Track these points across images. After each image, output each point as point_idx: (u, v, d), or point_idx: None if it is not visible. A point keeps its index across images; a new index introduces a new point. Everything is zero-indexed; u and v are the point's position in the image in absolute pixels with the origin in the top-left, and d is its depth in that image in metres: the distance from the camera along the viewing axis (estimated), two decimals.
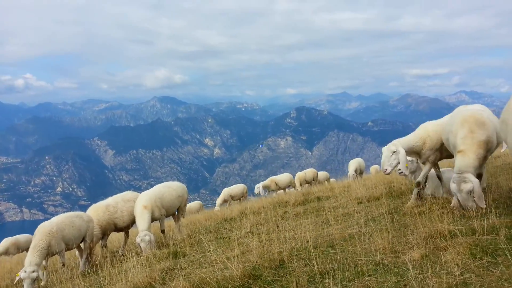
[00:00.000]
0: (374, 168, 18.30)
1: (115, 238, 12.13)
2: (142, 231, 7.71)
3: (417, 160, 7.72)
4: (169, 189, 9.36)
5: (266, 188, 17.68)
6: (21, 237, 14.44)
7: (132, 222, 8.73)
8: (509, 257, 3.57)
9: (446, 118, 7.01)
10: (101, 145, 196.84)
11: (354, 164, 17.77)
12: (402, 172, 6.75)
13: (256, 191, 17.46)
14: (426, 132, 6.83)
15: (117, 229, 8.86)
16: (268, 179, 18.38)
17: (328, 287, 3.75)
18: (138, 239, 7.60)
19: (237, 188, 19.53)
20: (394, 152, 6.52)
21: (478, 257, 3.69)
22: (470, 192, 5.40)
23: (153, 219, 8.42)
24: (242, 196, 19.28)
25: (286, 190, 18.36)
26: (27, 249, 14.46)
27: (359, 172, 17.63)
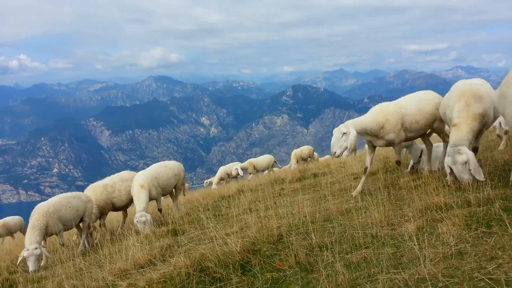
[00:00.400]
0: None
1: (114, 217, 12.23)
2: (139, 212, 7.77)
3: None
4: (166, 168, 9.39)
5: (244, 170, 17.85)
6: (9, 219, 14.45)
7: (130, 201, 8.78)
8: (503, 226, 3.63)
9: (404, 98, 7.05)
10: (97, 126, 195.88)
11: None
12: (347, 155, 6.86)
13: (234, 172, 17.51)
14: (385, 116, 6.61)
15: (115, 208, 8.92)
16: (247, 161, 18.49)
17: (327, 259, 3.82)
18: (135, 220, 7.67)
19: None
20: (345, 133, 6.25)
21: (473, 228, 3.76)
22: (465, 163, 5.44)
23: (150, 199, 8.47)
24: (238, 174, 19.42)
25: (265, 172, 18.45)
26: (16, 231, 14.60)
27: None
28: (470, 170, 5.38)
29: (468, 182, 5.36)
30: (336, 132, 6.37)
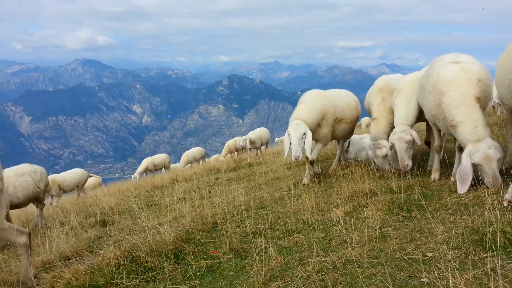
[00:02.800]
0: None
1: (33, 210, 11.39)
2: None
3: None
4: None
5: (144, 171, 18.20)
6: None
7: (29, 199, 7.71)
8: (421, 211, 3.96)
9: (333, 91, 7.36)
10: (16, 111, 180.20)
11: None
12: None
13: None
14: (326, 106, 6.57)
15: (13, 206, 7.55)
16: (144, 160, 18.81)
17: (260, 245, 3.89)
18: None
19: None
20: (304, 134, 6.04)
21: (395, 213, 4.05)
22: (385, 156, 5.91)
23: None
24: (164, 166, 19.07)
25: (163, 170, 18.75)
26: None
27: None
28: (389, 161, 5.87)
29: (390, 170, 5.80)
30: (295, 132, 6.03)
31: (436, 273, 2.77)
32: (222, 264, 3.75)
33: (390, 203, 4.28)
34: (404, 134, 5.34)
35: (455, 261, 2.80)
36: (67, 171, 13.40)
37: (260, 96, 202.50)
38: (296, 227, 4.30)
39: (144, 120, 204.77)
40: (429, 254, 3.07)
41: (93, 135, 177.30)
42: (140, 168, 18.30)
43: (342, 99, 7.06)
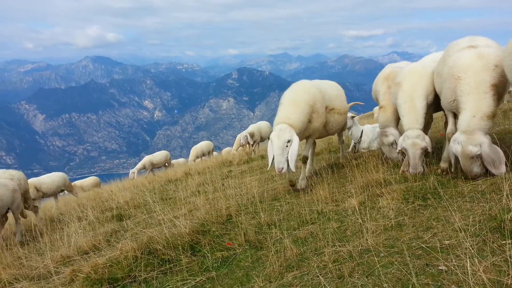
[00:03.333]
0: None
1: (52, 204, 11.62)
2: None
3: (352, 117, 8.06)
4: None
5: (142, 168, 17.72)
6: None
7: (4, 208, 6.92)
8: (437, 199, 3.92)
9: (319, 80, 6.68)
10: (30, 109, 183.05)
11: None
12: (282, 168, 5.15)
13: (130, 176, 16.88)
14: (312, 96, 5.74)
15: None
16: (144, 158, 18.29)
17: (275, 236, 3.91)
18: None
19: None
20: (289, 141, 5.15)
21: (410, 201, 4.01)
22: (392, 144, 5.82)
23: None
24: (165, 163, 18.52)
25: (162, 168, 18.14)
26: None
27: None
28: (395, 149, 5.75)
29: (398, 160, 5.73)
30: (278, 141, 5.10)
31: (454, 261, 2.75)
32: (238, 255, 3.78)
33: (405, 192, 4.25)
34: (419, 140, 4.96)
35: (473, 249, 2.78)
36: (47, 175, 12.89)
37: (270, 88, 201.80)
38: (311, 218, 4.30)
39: (155, 115, 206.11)
40: (446, 242, 3.04)
41: (106, 131, 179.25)
42: (139, 165, 17.78)
43: (330, 88, 6.52)
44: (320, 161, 7.71)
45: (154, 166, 18.02)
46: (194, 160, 18.50)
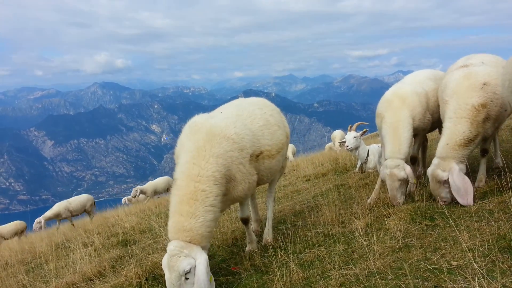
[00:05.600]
0: (328, 146, 18.64)
1: (60, 231, 11.60)
2: None
3: (360, 136, 8.03)
4: None
5: (54, 217, 13.55)
6: None
7: None
8: (445, 219, 3.86)
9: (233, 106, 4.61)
10: (39, 136, 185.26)
11: (289, 149, 17.24)
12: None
13: (133, 194, 15.67)
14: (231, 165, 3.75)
15: None
16: (56, 205, 13.92)
17: (281, 259, 3.85)
18: None
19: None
20: (189, 272, 3.22)
21: (418, 222, 3.95)
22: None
23: None
24: (85, 210, 14.80)
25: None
26: None
27: (293, 155, 16.93)
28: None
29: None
30: (170, 275, 3.23)
31: (462, 282, 2.69)
32: (243, 280, 3.72)
33: (413, 212, 4.19)
34: (397, 170, 4.64)
35: (482, 270, 2.71)
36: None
37: None
38: (317, 240, 4.24)
39: (163, 139, 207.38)
40: (454, 263, 2.97)
41: (114, 155, 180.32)
42: (48, 214, 13.32)
43: (252, 119, 4.25)
44: (326, 182, 7.65)
45: (72, 214, 14.20)
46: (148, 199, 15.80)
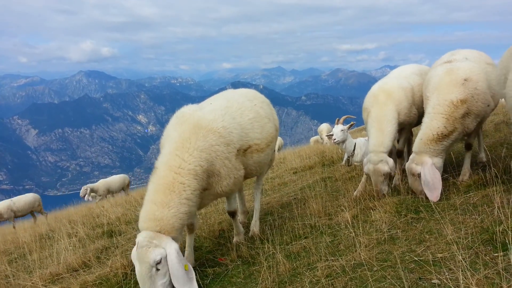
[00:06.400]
0: (313, 139, 18.66)
1: (43, 221, 11.45)
2: None
3: (347, 129, 8.09)
4: None
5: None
6: None
7: None
8: (429, 212, 3.91)
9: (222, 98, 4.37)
10: (22, 124, 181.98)
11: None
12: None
13: (82, 193, 14.36)
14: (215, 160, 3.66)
15: None
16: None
17: (268, 251, 3.86)
18: None
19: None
20: (159, 262, 3.28)
21: (403, 214, 4.00)
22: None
23: None
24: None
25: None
26: None
27: (279, 148, 16.87)
28: None
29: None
30: (141, 267, 3.12)
31: (446, 274, 2.73)
32: (230, 271, 3.72)
33: (398, 205, 4.24)
34: (381, 165, 4.68)
35: (465, 262, 2.76)
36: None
37: None
38: (304, 232, 4.27)
39: (149, 130, 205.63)
40: (439, 255, 3.02)
41: (99, 146, 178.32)
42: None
43: (241, 112, 4.12)
44: (313, 174, 7.69)
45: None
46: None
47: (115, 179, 15.68)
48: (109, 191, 15.07)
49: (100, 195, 14.60)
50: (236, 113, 4.03)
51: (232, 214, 4.25)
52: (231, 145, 3.71)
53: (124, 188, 15.80)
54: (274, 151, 5.16)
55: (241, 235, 4.41)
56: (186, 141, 3.47)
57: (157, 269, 3.08)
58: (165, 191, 3.26)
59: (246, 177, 4.31)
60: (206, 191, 3.63)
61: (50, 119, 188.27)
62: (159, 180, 3.34)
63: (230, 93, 4.62)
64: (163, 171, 3.37)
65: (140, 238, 3.13)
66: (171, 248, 3.13)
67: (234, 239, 4.39)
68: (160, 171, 3.38)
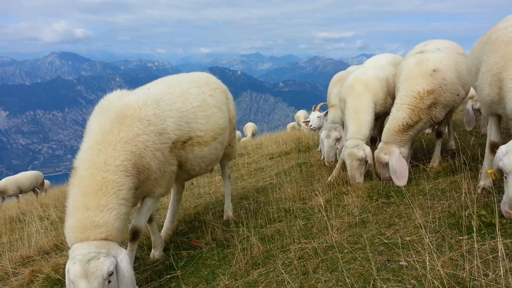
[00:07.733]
0: (290, 125, 18.79)
1: (13, 204, 11.15)
2: None
3: (324, 116, 8.18)
4: None
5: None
6: None
7: None
8: (400, 197, 4.03)
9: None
10: None
11: (250, 128, 19.11)
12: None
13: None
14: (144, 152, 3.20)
15: None
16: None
17: (242, 234, 3.90)
18: None
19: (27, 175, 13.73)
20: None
21: (374, 199, 4.11)
22: (336, 140, 5.69)
23: None
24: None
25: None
26: None
27: (253, 134, 18.58)
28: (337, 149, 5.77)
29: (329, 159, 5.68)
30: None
31: (414, 256, 2.84)
32: (205, 253, 3.75)
33: (370, 190, 4.35)
34: (356, 149, 4.69)
35: (432, 244, 2.87)
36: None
37: (242, 88, 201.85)
38: (278, 216, 4.33)
39: None
40: (407, 238, 3.13)
41: (72, 129, 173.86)
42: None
43: (185, 99, 3.76)
44: (289, 160, 7.76)
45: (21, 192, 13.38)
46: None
47: (26, 176, 13.75)
48: (22, 191, 13.37)
49: (10, 196, 12.93)
50: (177, 100, 3.61)
51: (135, 233, 3.35)
52: (164, 134, 3.28)
53: (36, 187, 14.01)
54: (235, 143, 4.82)
55: (160, 248, 3.82)
56: (108, 133, 3.02)
57: (109, 281, 2.60)
58: (97, 193, 2.76)
59: (191, 174, 3.91)
60: (138, 190, 3.14)
61: (21, 101, 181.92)
62: (84, 182, 2.82)
63: (176, 77, 4.24)
64: (87, 170, 2.86)
65: (83, 251, 2.58)
66: (122, 254, 2.72)
67: (151, 253, 3.84)
68: (83, 171, 2.87)
